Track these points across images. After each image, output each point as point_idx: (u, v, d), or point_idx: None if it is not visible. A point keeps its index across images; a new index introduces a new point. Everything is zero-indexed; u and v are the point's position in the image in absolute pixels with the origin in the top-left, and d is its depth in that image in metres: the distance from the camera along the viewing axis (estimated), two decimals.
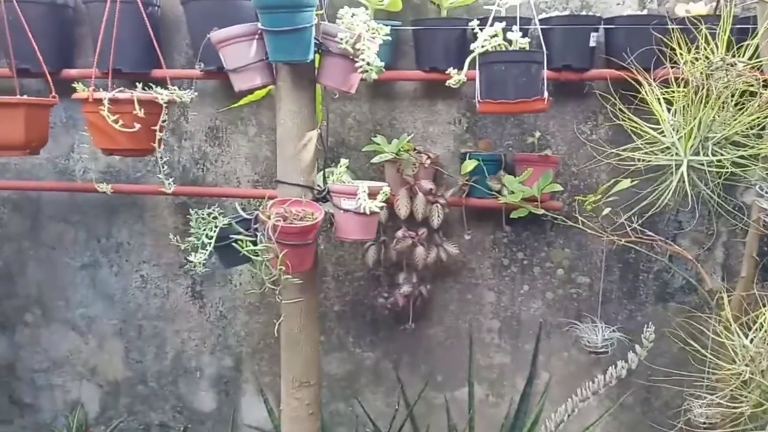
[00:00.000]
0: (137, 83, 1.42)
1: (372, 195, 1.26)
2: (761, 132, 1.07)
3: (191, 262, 1.25)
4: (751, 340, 1.07)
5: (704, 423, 1.41)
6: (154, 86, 1.39)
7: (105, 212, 1.92)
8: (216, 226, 1.29)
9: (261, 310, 1.90)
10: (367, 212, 1.24)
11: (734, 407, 1.11)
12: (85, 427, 1.99)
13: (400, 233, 1.62)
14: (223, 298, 1.91)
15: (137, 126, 1.27)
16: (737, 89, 1.01)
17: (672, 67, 1.18)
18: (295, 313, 1.38)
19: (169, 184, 1.44)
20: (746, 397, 1.07)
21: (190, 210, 1.33)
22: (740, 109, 1.03)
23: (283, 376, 1.44)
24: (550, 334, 1.78)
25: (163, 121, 1.37)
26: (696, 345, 1.51)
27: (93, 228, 1.93)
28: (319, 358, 1.46)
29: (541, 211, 1.50)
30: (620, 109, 1.23)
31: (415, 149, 1.64)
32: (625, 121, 1.20)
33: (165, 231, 1.90)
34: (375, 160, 1.60)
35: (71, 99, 1.37)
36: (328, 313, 1.87)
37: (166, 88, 1.38)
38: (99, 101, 1.27)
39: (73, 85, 1.36)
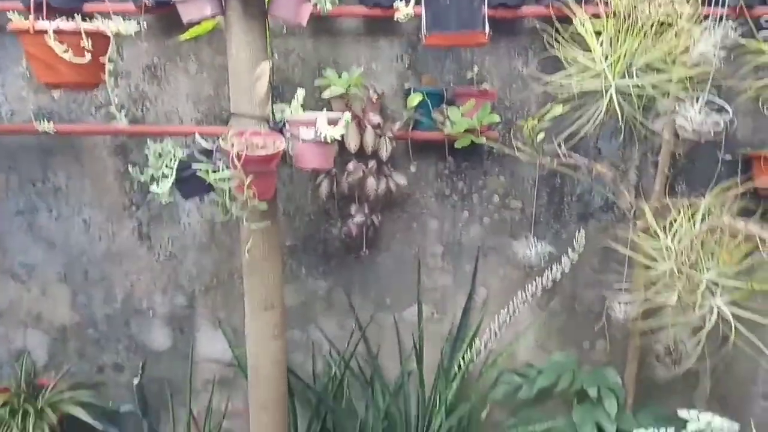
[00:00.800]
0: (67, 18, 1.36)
1: (331, 123, 1.32)
2: (675, 59, 1.23)
3: (155, 193, 1.27)
4: (678, 241, 1.26)
5: (623, 318, 1.65)
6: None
7: (39, 156, 1.84)
8: (176, 157, 1.31)
9: (212, 248, 1.93)
10: (328, 140, 1.30)
11: (657, 302, 1.31)
12: (33, 375, 1.97)
13: (351, 165, 1.70)
14: (172, 238, 1.92)
15: (87, 56, 1.24)
16: (658, 20, 1.16)
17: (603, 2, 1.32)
18: (258, 241, 1.44)
19: (121, 117, 1.42)
20: (669, 289, 1.27)
21: (130, 151, 1.32)
22: (659, 38, 1.19)
23: (248, 301, 1.52)
24: (487, 255, 1.95)
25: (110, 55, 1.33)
26: (614, 253, 1.74)
27: (26, 172, 1.85)
28: (282, 283, 1.53)
29: (483, 140, 1.63)
30: (556, 40, 1.35)
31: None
32: (559, 51, 1.32)
33: (105, 173, 1.86)
34: (326, 94, 1.64)
35: None
36: (281, 247, 1.93)
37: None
38: (42, 32, 1.22)
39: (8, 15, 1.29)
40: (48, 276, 1.92)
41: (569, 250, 1.50)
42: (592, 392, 1.80)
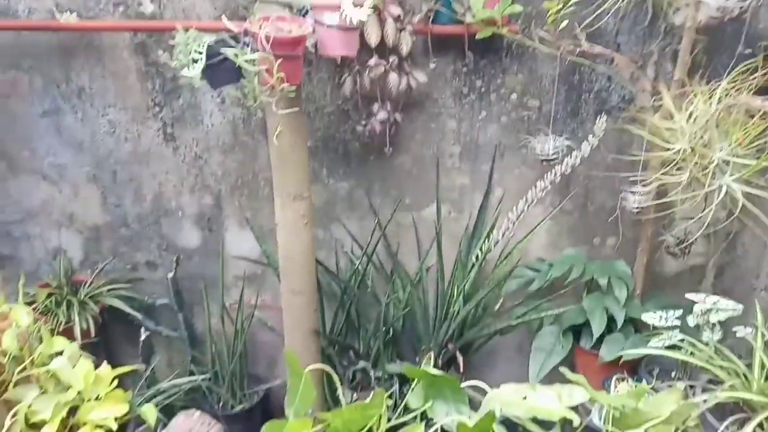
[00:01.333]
0: None
1: (356, 5, 1.33)
2: None
3: (186, 77, 1.30)
4: (694, 120, 1.29)
5: (636, 209, 1.72)
6: None
7: (59, 56, 1.86)
8: (204, 43, 1.33)
9: (236, 150, 1.98)
10: (354, 23, 1.32)
11: (671, 182, 1.36)
12: (71, 272, 2.08)
13: (372, 61, 1.71)
14: (197, 139, 1.96)
15: None
16: None
17: None
18: (286, 131, 1.49)
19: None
20: (684, 169, 1.31)
21: (151, 50, 1.33)
22: None
23: (277, 193, 1.58)
24: (504, 155, 2.00)
25: None
26: (628, 150, 1.78)
27: (49, 73, 1.87)
28: (309, 173, 1.59)
29: (504, 31, 1.63)
30: None
31: None
32: None
33: (127, 73, 1.88)
34: None
35: None
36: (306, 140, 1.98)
37: None
38: None
39: None
40: (78, 177, 1.99)
41: (590, 136, 1.53)
42: (603, 281, 1.89)
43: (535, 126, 1.94)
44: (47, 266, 2.10)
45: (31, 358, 1.19)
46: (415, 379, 1.36)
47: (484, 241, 1.92)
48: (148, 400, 1.96)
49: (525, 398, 1.22)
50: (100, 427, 1.22)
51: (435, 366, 1.96)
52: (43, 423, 1.19)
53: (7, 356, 1.16)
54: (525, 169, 2.01)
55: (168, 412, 2.00)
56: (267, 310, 2.12)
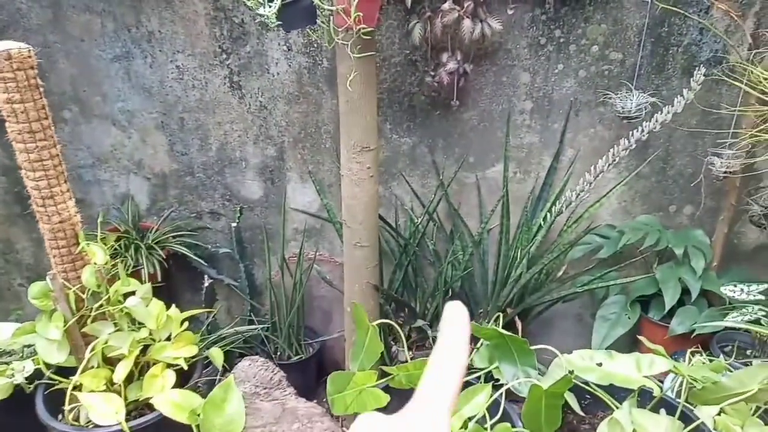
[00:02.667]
0: None
1: None
2: None
3: (262, 15, 1.26)
4: None
5: (724, 173, 1.59)
6: None
7: None
8: None
9: (300, 100, 1.95)
10: None
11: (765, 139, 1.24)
12: (138, 218, 2.13)
13: (446, 5, 1.62)
14: (262, 88, 1.94)
15: None
16: None
17: None
18: (355, 80, 1.44)
19: None
20: None
21: None
22: None
23: (343, 142, 1.55)
24: (579, 113, 1.89)
25: None
26: (714, 112, 1.64)
27: (120, 17, 1.87)
28: (378, 124, 1.54)
29: None
30: None
31: None
32: None
33: (196, 18, 1.86)
34: None
35: None
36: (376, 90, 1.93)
37: None
38: None
39: None
40: (146, 123, 2.01)
41: (684, 90, 1.41)
42: (678, 251, 1.79)
43: (616, 81, 1.82)
44: (116, 211, 2.16)
45: (107, 295, 1.22)
46: (480, 339, 1.33)
47: (553, 203, 1.84)
48: (209, 346, 2.02)
49: (600, 365, 1.17)
50: (171, 366, 1.25)
51: None
52: (117, 358, 1.23)
53: (86, 292, 1.19)
54: (601, 129, 1.90)
55: (226, 358, 2.05)
56: (324, 264, 2.12)
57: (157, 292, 2.13)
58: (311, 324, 2.23)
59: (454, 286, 1.95)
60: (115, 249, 1.95)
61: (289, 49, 1.87)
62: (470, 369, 1.31)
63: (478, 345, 1.33)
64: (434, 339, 1.87)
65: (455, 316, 0.34)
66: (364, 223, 1.63)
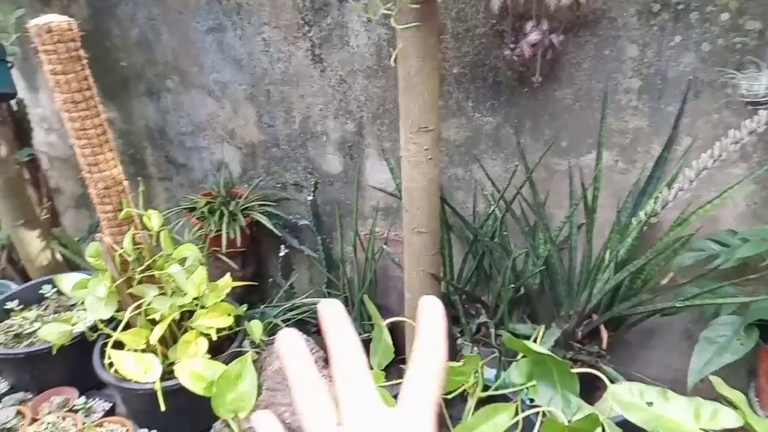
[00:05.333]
0: None
1: None
2: None
3: None
4: None
5: None
6: None
7: None
8: None
9: (379, 74, 1.87)
10: None
11: None
12: (231, 185, 2.24)
13: None
14: (342, 61, 1.89)
15: None
16: None
17: None
18: (412, 54, 1.32)
19: None
20: None
21: None
22: None
23: (402, 122, 1.45)
24: (700, 94, 1.56)
25: None
26: None
27: None
28: (438, 103, 1.42)
29: None
30: None
31: None
32: None
33: None
34: None
35: None
36: (447, 76, 1.80)
37: None
38: None
39: None
40: (237, 94, 2.08)
41: None
42: None
43: (751, 56, 1.47)
44: (212, 177, 2.29)
45: (153, 259, 1.29)
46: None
47: (654, 201, 1.57)
48: (284, 313, 2.08)
49: (651, 404, 0.96)
50: (205, 335, 1.29)
51: (572, 337, 1.73)
52: (159, 320, 1.30)
53: (131, 256, 1.27)
54: (728, 115, 1.56)
55: (300, 326, 2.10)
56: (399, 245, 2.05)
57: (245, 258, 2.24)
58: (386, 303, 2.20)
59: (529, 282, 1.77)
60: (202, 213, 2.07)
61: (369, 20, 1.79)
62: (505, 384, 1.17)
63: (518, 357, 1.18)
64: (497, 336, 1.73)
65: (431, 311, 0.34)
66: (423, 208, 1.53)
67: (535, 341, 1.29)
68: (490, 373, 1.60)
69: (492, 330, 1.70)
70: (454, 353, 1.80)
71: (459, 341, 1.82)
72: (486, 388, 1.20)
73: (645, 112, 1.64)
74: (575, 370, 1.07)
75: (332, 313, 0.34)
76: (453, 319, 1.83)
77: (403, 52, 1.33)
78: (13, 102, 2.12)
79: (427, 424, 0.31)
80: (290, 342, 0.33)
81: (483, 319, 1.73)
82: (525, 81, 1.70)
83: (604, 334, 1.70)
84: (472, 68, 1.75)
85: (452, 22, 1.72)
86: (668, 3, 1.50)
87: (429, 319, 0.34)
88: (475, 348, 1.77)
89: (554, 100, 1.71)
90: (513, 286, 1.72)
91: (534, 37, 1.48)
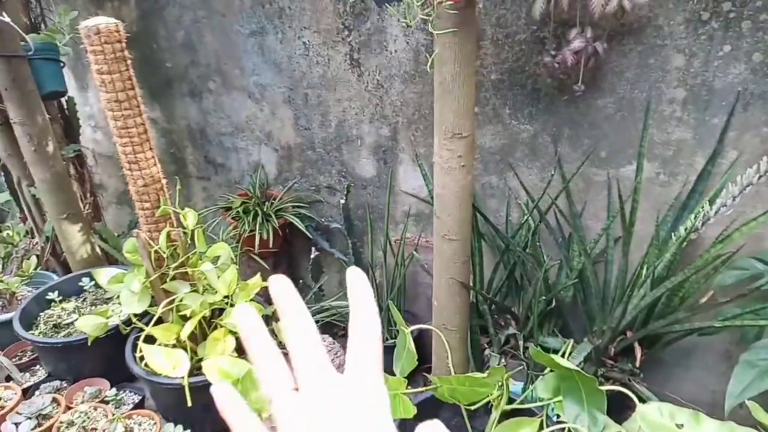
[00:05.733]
0: None
1: None
2: None
3: None
4: None
5: None
6: None
7: None
8: None
9: (416, 79, 1.86)
10: None
11: None
12: (266, 186, 2.27)
13: None
14: (380, 66, 1.90)
15: None
16: None
17: None
18: (449, 59, 1.31)
19: None
20: None
21: None
22: None
23: (436, 127, 1.44)
24: (749, 106, 1.50)
25: None
26: None
27: None
28: (473, 109, 1.40)
29: None
30: None
31: None
32: None
33: None
34: None
35: None
36: (484, 82, 1.78)
37: None
38: None
39: None
40: (276, 97, 2.11)
41: None
42: None
43: None
44: (248, 177, 2.33)
45: (186, 256, 1.32)
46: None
47: (695, 217, 1.51)
48: (313, 315, 2.09)
49: (681, 426, 0.93)
50: (234, 333, 1.31)
51: (605, 353, 1.68)
52: (190, 316, 1.32)
53: (166, 252, 1.30)
54: None
55: (328, 329, 2.11)
56: (429, 251, 2.04)
57: (277, 258, 2.27)
58: (414, 310, 2.19)
59: (561, 295, 1.73)
60: (237, 213, 2.10)
61: (408, 25, 1.79)
62: (531, 398, 1.15)
63: (546, 371, 1.15)
64: (525, 348, 1.69)
65: (357, 280, 0.36)
66: (454, 215, 1.51)
67: (563, 356, 1.26)
68: (517, 386, 1.57)
69: (521, 342, 1.67)
70: (481, 364, 1.78)
71: (487, 352, 1.79)
72: (511, 401, 1.18)
73: (689, 124, 1.59)
74: (604, 388, 1.04)
75: (280, 284, 0.35)
76: (481, 329, 1.80)
77: (439, 57, 1.33)
78: (63, 100, 2.20)
79: (379, 383, 0.33)
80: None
81: (512, 330, 1.70)
82: (565, 89, 1.67)
83: (638, 351, 1.65)
84: (510, 75, 1.73)
85: (492, 28, 1.70)
86: (719, 11, 1.44)
87: (357, 290, 0.36)
88: (503, 359, 1.74)
89: (595, 109, 1.67)
90: (544, 298, 1.68)
91: (577, 44, 1.45)
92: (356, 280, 0.36)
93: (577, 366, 1.54)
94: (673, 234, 1.55)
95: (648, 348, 1.67)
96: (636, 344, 1.65)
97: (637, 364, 1.64)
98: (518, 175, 1.81)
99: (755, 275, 1.55)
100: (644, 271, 1.58)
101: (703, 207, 1.38)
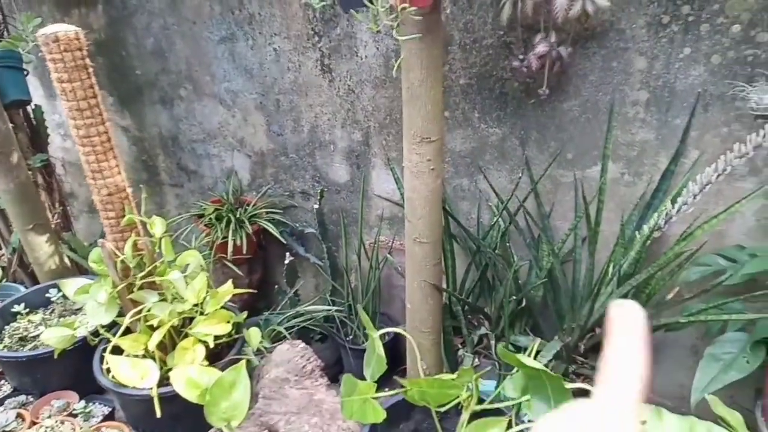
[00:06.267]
0: None
1: None
2: None
3: (309, 4, 1.21)
4: None
5: None
6: None
7: None
8: None
9: (387, 84, 1.88)
10: None
11: None
12: (240, 192, 2.26)
13: None
14: (351, 71, 1.91)
15: None
16: None
17: None
18: (415, 65, 1.33)
19: None
20: None
21: None
22: None
23: (405, 132, 1.45)
24: (709, 107, 1.54)
25: None
26: None
27: (226, 0, 1.96)
28: (441, 114, 1.42)
29: None
30: None
31: None
32: None
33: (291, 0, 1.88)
34: None
35: None
36: (453, 87, 1.80)
37: None
38: None
39: None
40: (247, 103, 2.11)
41: None
42: None
43: (763, 68, 1.44)
44: (222, 184, 2.31)
45: (154, 265, 1.30)
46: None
47: (658, 215, 1.54)
48: (288, 320, 2.08)
49: (644, 423, 0.95)
50: (203, 342, 1.30)
51: (575, 350, 1.70)
52: (158, 325, 1.31)
53: (132, 262, 1.28)
54: (737, 128, 1.53)
55: (304, 334, 2.10)
56: (403, 254, 2.05)
57: (251, 264, 2.25)
58: (390, 313, 2.19)
59: (531, 295, 1.75)
60: (210, 220, 2.09)
61: (378, 31, 1.80)
62: (500, 397, 1.16)
63: (514, 371, 1.17)
64: (497, 348, 1.71)
65: (625, 319, 0.35)
66: (424, 218, 1.52)
67: (532, 354, 1.27)
68: (489, 385, 1.59)
69: (493, 341, 1.69)
70: (455, 365, 1.79)
71: (460, 352, 1.80)
72: (482, 401, 1.19)
73: (652, 125, 1.62)
74: (570, 386, 1.05)
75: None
76: (455, 330, 1.81)
77: (406, 63, 1.34)
78: (29, 108, 2.17)
79: (631, 412, 0.33)
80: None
81: (485, 330, 1.72)
82: (532, 92, 1.69)
83: None
84: (479, 79, 1.75)
85: (460, 33, 1.72)
86: (678, 14, 1.48)
87: (627, 326, 0.35)
88: (476, 359, 1.76)
89: (561, 111, 1.70)
90: (515, 297, 1.70)
91: (542, 48, 1.47)
92: (627, 317, 0.35)
93: (548, 363, 1.57)
94: (638, 232, 1.58)
95: None
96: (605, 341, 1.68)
97: None
98: (488, 178, 1.83)
99: (718, 271, 1.59)
100: (611, 269, 1.61)
101: (666, 206, 1.41)
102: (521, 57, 1.57)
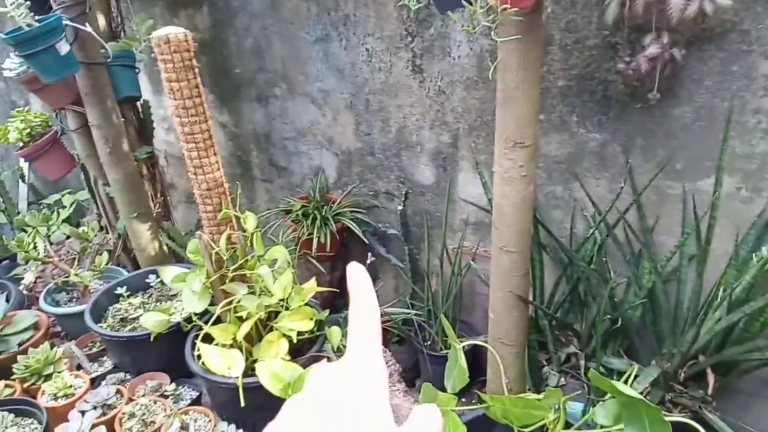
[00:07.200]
0: None
1: None
2: None
3: (405, 5, 1.19)
4: None
5: None
6: None
7: None
8: None
9: (479, 86, 1.82)
10: None
11: None
12: (326, 190, 2.30)
13: None
14: (442, 72, 1.87)
15: None
16: None
17: None
18: (512, 67, 1.27)
19: None
20: None
21: None
22: None
23: (497, 136, 1.40)
24: None
25: None
26: None
27: (323, 1, 2.00)
28: (537, 117, 1.35)
29: None
30: None
31: None
32: None
33: (387, 0, 1.88)
34: None
35: None
36: (551, 89, 1.71)
37: None
38: None
39: None
40: (338, 103, 2.13)
41: None
42: None
43: None
44: (309, 181, 2.36)
45: (245, 258, 1.34)
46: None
47: None
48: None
49: None
50: (287, 336, 1.32)
51: (674, 378, 1.57)
52: (246, 317, 1.35)
53: (226, 254, 1.33)
54: None
55: (382, 335, 2.10)
56: (486, 261, 1.99)
57: (334, 261, 2.28)
58: (471, 320, 2.14)
59: (628, 314, 1.64)
60: (297, 216, 2.13)
61: (470, 32, 1.75)
62: (589, 424, 1.09)
63: (607, 396, 1.08)
64: (586, 368, 1.61)
65: (357, 275, 0.38)
66: (513, 226, 1.46)
67: (628, 380, 1.18)
68: (576, 407, 1.50)
69: (582, 361, 1.59)
70: (538, 381, 1.71)
71: (545, 369, 1.72)
72: (568, 425, 1.12)
73: None
74: (670, 418, 0.96)
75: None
76: (540, 345, 1.73)
77: (502, 63, 1.29)
78: (138, 103, 2.32)
79: (379, 365, 0.35)
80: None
81: (573, 348, 1.63)
82: (639, 96, 1.58)
83: (711, 378, 1.53)
84: (579, 81, 1.66)
85: (560, 33, 1.64)
86: None
87: (357, 280, 0.38)
88: (563, 378, 1.67)
89: (671, 118, 1.57)
90: (610, 316, 1.60)
91: (653, 50, 1.37)
92: (358, 273, 0.38)
93: (644, 390, 1.45)
94: (754, 254, 1.43)
95: (722, 375, 1.55)
96: (709, 370, 1.53)
97: (710, 391, 1.53)
98: (585, 186, 1.73)
99: None
100: (720, 293, 1.46)
101: None
102: (627, 59, 1.47)
